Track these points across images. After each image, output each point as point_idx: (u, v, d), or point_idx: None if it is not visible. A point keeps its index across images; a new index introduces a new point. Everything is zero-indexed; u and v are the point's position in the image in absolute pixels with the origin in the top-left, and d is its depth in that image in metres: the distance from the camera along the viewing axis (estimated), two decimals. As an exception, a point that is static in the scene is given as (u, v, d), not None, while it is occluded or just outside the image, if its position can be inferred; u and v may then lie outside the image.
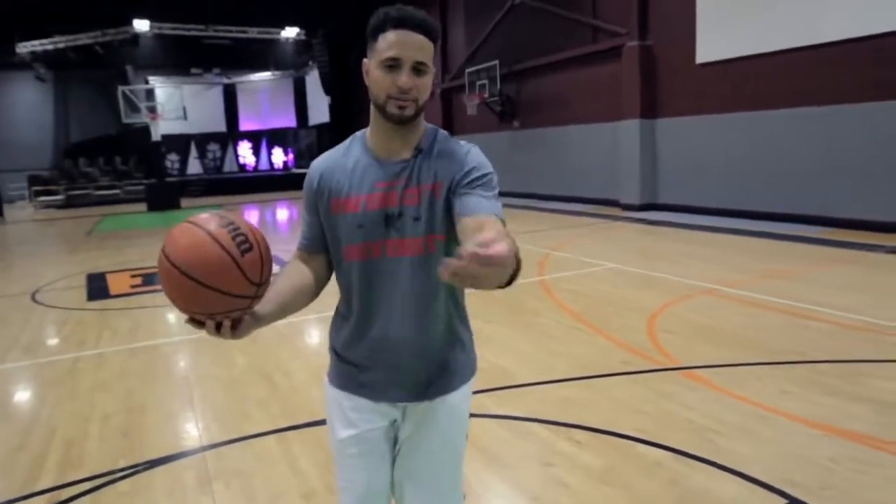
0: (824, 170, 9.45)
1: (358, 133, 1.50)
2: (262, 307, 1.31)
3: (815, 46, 9.48)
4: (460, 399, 1.53)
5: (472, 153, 1.42)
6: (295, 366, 4.38)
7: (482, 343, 4.61)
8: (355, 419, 1.50)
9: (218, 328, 1.24)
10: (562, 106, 15.10)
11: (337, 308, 1.56)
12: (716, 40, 11.04)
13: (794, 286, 5.94)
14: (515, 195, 16.29)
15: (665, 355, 4.16)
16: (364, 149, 1.45)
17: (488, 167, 1.40)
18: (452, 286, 1.37)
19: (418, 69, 1.33)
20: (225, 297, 1.20)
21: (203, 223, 1.23)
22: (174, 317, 5.99)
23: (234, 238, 1.21)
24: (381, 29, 1.34)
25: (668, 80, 12.18)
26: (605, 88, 13.56)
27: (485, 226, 1.23)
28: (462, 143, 1.46)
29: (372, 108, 1.40)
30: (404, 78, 1.32)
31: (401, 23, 1.32)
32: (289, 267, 1.52)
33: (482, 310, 5.53)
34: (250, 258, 1.22)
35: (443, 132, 1.48)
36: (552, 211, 13.65)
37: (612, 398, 3.52)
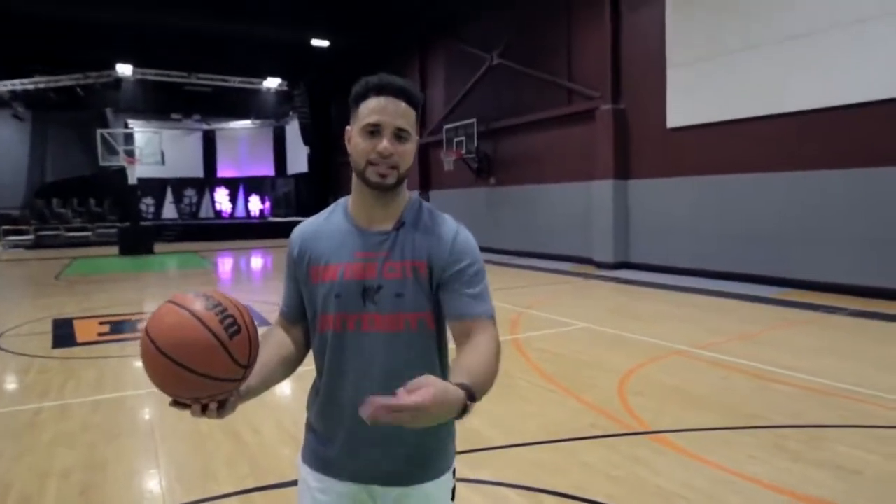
0: (788, 233, 9.78)
1: (341, 200, 1.48)
2: (247, 382, 1.28)
3: (779, 115, 9.94)
4: (438, 489, 1.43)
5: (461, 238, 1.40)
6: (264, 423, 4.32)
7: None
8: (322, 500, 1.43)
9: (204, 409, 1.20)
10: (537, 164, 15.46)
11: (313, 384, 1.52)
12: (686, 106, 11.50)
13: (761, 348, 6.06)
14: (490, 251, 16.45)
15: (635, 418, 4.19)
16: (346, 216, 1.43)
17: (476, 254, 1.41)
18: (433, 367, 1.39)
19: (399, 135, 1.32)
20: (213, 382, 1.16)
21: (189, 304, 1.18)
22: (141, 368, 5.88)
23: (222, 321, 1.17)
24: (363, 96, 1.34)
25: (640, 143, 12.59)
26: (580, 149, 13.95)
27: (472, 330, 1.31)
28: (448, 219, 1.43)
29: (354, 176, 1.39)
30: (385, 143, 1.30)
31: (382, 89, 1.32)
32: (271, 336, 1.48)
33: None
34: (238, 340, 1.18)
35: (427, 205, 1.45)
36: (526, 268, 13.81)
37: (583, 462, 3.53)
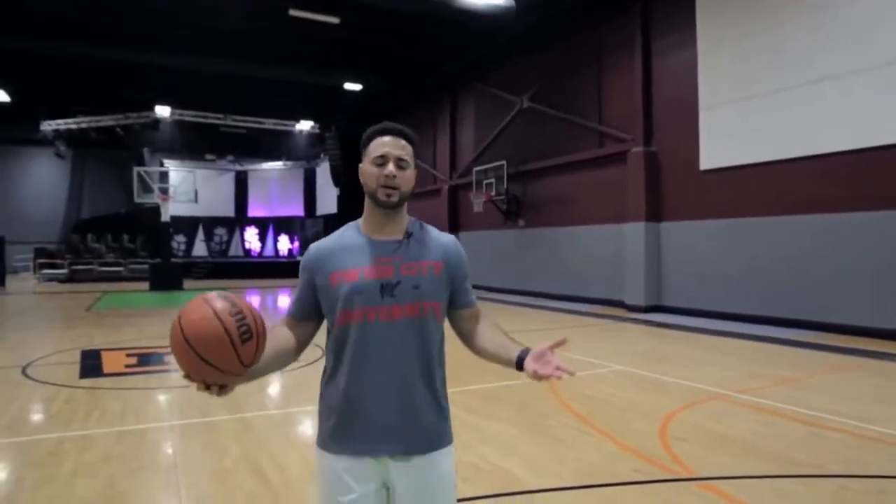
0: (822, 276, 9.50)
1: (350, 223, 1.80)
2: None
3: (812, 157, 9.75)
4: (445, 459, 1.72)
5: (458, 245, 1.82)
6: (289, 459, 4.16)
7: (484, 441, 4.42)
8: (349, 481, 1.64)
9: (207, 387, 1.47)
10: (567, 206, 15.36)
11: (327, 375, 1.74)
12: (718, 148, 11.37)
13: (804, 394, 5.76)
14: (519, 293, 16.26)
15: (679, 464, 3.95)
16: (358, 232, 1.75)
17: (466, 258, 1.84)
18: (438, 349, 1.72)
19: (400, 164, 1.68)
20: (219, 373, 1.43)
21: (215, 305, 1.44)
22: (166, 401, 5.80)
23: (238, 327, 1.43)
24: (371, 138, 1.73)
25: (672, 185, 12.44)
26: (611, 191, 13.84)
27: (478, 314, 1.85)
28: (442, 232, 1.84)
29: (366, 198, 1.73)
30: (390, 168, 1.67)
31: (386, 131, 1.72)
32: (275, 332, 1.69)
33: (485, 406, 5.35)
34: (248, 346, 1.44)
35: (421, 221, 1.81)
36: (555, 310, 13.57)
37: (625, 509, 3.30)
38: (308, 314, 1.76)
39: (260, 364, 1.53)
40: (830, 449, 4.25)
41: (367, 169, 1.70)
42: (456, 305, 1.80)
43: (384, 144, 1.69)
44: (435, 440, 1.70)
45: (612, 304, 13.47)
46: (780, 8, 10.28)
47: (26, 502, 3.41)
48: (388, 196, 1.67)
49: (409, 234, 1.74)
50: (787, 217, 10.08)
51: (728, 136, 11.16)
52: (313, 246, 1.77)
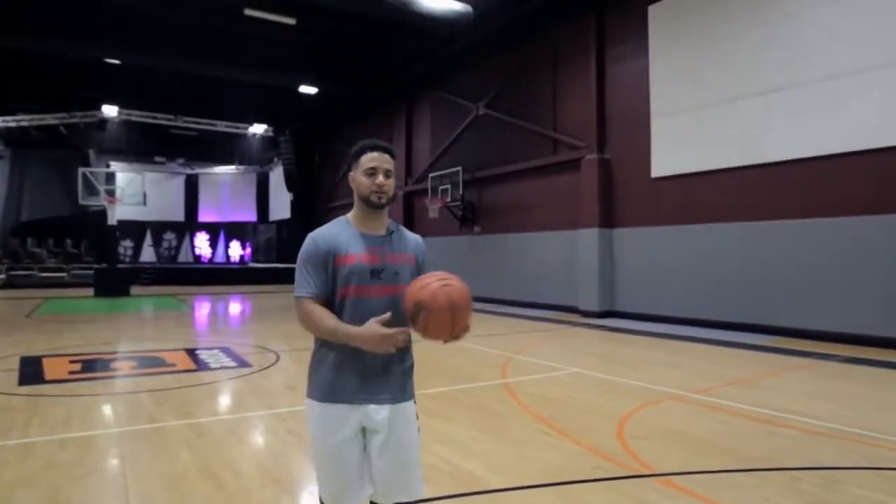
0: (773, 281, 9.80)
1: (341, 217, 2.24)
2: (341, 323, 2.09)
3: (760, 165, 10.09)
4: (410, 408, 2.22)
5: (424, 243, 2.38)
6: (245, 464, 4.04)
7: (444, 442, 4.40)
8: (338, 426, 2.11)
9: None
10: (522, 213, 15.49)
11: (320, 343, 2.19)
12: (670, 156, 11.65)
13: (759, 393, 5.92)
14: (475, 299, 16.23)
15: (638, 461, 3.99)
16: (350, 226, 2.21)
17: (428, 254, 2.37)
18: (409, 321, 2.07)
19: (387, 174, 2.17)
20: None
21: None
22: (113, 407, 5.56)
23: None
24: (362, 152, 2.20)
25: (625, 192, 12.68)
26: (565, 198, 14.02)
27: None
28: (412, 232, 2.38)
29: (357, 200, 2.21)
30: (381, 178, 2.16)
31: (374, 148, 2.20)
32: (321, 309, 2.13)
33: (442, 409, 5.31)
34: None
35: (396, 222, 2.32)
36: (511, 315, 13.64)
37: (588, 506, 3.31)
38: (326, 293, 2.14)
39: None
40: (783, 444, 4.36)
41: (358, 178, 2.18)
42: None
43: (374, 159, 2.16)
44: (407, 393, 2.21)
45: (566, 310, 13.63)
46: (729, 22, 10.64)
47: (-39, 514, 3.21)
48: (379, 199, 2.15)
49: (390, 232, 2.24)
50: (739, 224, 10.39)
51: (679, 145, 11.46)
52: (318, 234, 2.17)
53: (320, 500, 2.18)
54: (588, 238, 13.04)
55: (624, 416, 5.15)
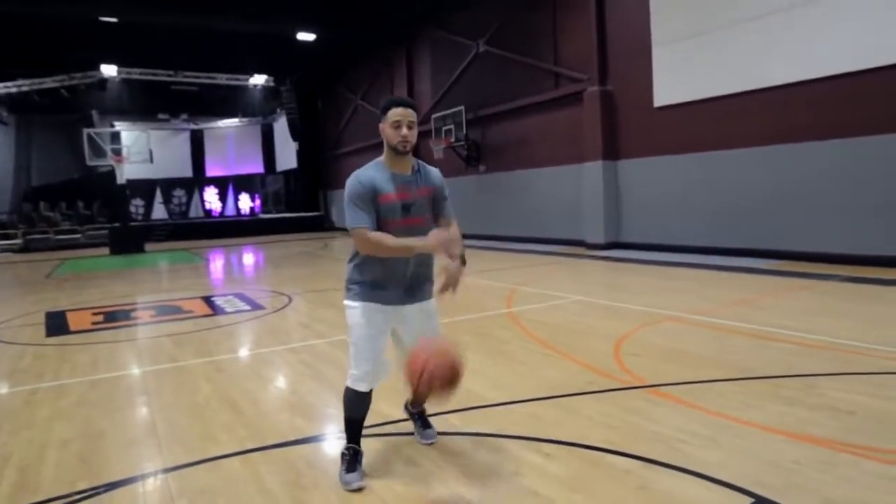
0: (777, 205, 9.83)
1: (375, 160, 2.74)
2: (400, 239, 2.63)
3: (762, 90, 9.98)
4: (432, 303, 2.94)
5: (442, 175, 2.92)
6: (262, 395, 4.31)
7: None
8: (378, 321, 2.77)
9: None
10: (526, 149, 15.47)
11: (360, 257, 2.76)
12: (672, 85, 11.54)
13: (756, 312, 6.10)
14: (482, 237, 16.46)
15: (631, 375, 4.22)
16: (383, 168, 2.72)
17: (447, 184, 2.94)
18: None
19: (410, 126, 2.63)
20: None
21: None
22: (136, 352, 5.87)
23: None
24: (389, 107, 2.66)
25: (627, 123, 12.62)
26: (568, 132, 13.97)
27: (451, 223, 2.89)
28: (433, 167, 2.90)
29: (386, 147, 2.70)
30: (405, 131, 2.63)
31: (400, 104, 2.66)
32: (382, 233, 2.62)
33: (450, 337, 5.54)
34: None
35: (418, 160, 2.84)
36: (518, 251, 13.83)
37: (581, 415, 3.55)
38: (374, 223, 2.63)
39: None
40: (773, 357, 4.56)
41: (386, 129, 2.64)
42: (439, 215, 2.88)
43: (398, 114, 2.62)
44: (428, 293, 2.91)
45: (572, 244, 13.78)
46: (728, -60, 10.33)
47: (4, 445, 3.50)
48: (405, 147, 2.64)
49: (416, 170, 2.76)
50: (742, 150, 10.36)
51: (681, 73, 11.32)
52: (361, 174, 2.66)
53: (350, 379, 2.79)
54: (592, 171, 13.06)
55: (622, 336, 5.37)
